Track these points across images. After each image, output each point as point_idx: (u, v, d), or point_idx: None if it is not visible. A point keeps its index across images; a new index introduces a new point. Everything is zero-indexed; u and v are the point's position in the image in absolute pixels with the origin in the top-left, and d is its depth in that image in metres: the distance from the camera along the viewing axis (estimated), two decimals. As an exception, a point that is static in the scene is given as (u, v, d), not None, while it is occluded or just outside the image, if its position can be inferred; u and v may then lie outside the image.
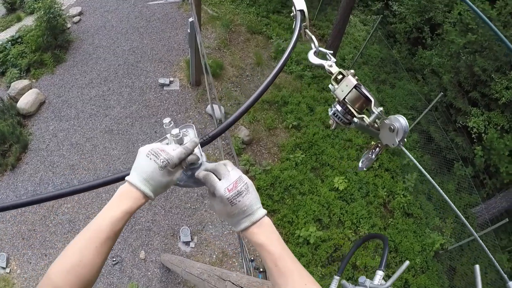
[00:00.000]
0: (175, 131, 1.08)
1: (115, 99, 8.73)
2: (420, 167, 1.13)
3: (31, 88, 8.70)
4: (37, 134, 8.15)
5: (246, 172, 7.56)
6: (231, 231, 6.90)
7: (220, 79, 9.20)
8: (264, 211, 1.03)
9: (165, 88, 9.01)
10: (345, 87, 1.04)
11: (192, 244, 6.78)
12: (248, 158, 7.79)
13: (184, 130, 1.15)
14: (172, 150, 1.01)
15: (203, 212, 7.17)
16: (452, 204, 1.14)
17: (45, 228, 6.99)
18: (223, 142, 7.66)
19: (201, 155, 1.10)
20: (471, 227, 1.09)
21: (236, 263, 6.57)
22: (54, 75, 9.17)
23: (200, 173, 1.06)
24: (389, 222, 7.57)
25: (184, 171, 1.08)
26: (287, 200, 7.36)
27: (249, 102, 1.07)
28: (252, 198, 1.02)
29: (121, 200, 0.96)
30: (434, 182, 1.15)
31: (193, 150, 1.04)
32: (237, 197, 0.99)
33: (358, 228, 7.22)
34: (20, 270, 6.60)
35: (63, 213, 7.10)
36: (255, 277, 2.13)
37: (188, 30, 7.14)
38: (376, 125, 1.06)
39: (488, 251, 1.04)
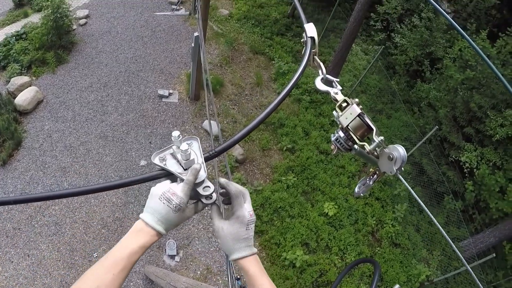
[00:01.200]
0: (184, 146, 1.10)
1: (113, 105, 8.73)
2: (417, 198, 1.15)
3: (30, 86, 8.70)
4: (32, 132, 8.11)
5: (237, 190, 7.52)
6: (217, 248, 6.83)
7: (219, 96, 9.26)
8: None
9: (163, 99, 9.04)
10: (349, 115, 1.07)
11: (177, 258, 6.69)
12: (240, 177, 7.79)
13: (189, 142, 1.19)
14: (180, 191, 1.06)
15: (190, 227, 7.11)
16: (447, 236, 1.16)
17: (31, 228, 6.88)
18: (217, 159, 7.63)
19: (205, 171, 1.14)
20: (461, 258, 1.11)
21: (220, 281, 6.49)
22: (54, 75, 9.19)
23: (232, 188, 1.14)
24: (376, 250, 7.55)
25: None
26: (276, 222, 7.33)
27: (259, 119, 1.08)
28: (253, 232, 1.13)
29: (138, 235, 1.04)
30: (429, 213, 1.17)
31: (195, 179, 1.09)
32: (251, 224, 1.11)
33: (345, 255, 7.18)
34: (1, 268, 6.46)
35: (50, 215, 7.01)
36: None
37: (192, 44, 7.21)
38: (375, 153, 1.08)
39: (479, 283, 1.05)
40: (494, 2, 9.75)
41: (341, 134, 1.08)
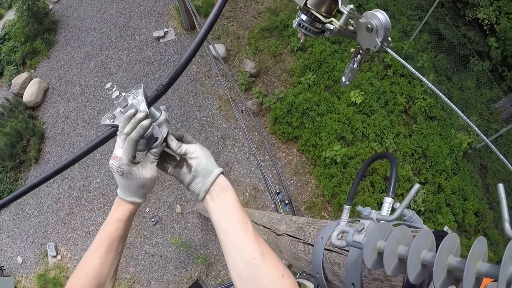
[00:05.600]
0: (115, 94, 0.98)
1: (115, 64, 8.49)
2: (413, 70, 0.86)
3: (31, 79, 8.59)
4: (50, 121, 8.13)
5: (260, 105, 7.26)
6: (258, 166, 6.68)
7: (213, 16, 8.67)
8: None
9: (161, 40, 8.66)
10: (303, -11, 0.83)
11: (224, 187, 6.64)
12: (260, 90, 7.43)
13: (134, 92, 1.06)
14: (120, 149, 0.96)
15: (226, 153, 6.99)
16: (455, 108, 0.86)
17: (82, 208, 7.09)
18: (230, 79, 7.32)
19: (161, 112, 1.06)
20: (483, 135, 0.88)
21: (269, 196, 6.39)
22: (50, 60, 9.00)
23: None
24: (413, 128, 7.22)
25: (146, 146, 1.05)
26: (307, 124, 7.02)
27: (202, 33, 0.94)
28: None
29: (116, 209, 1.02)
30: (431, 85, 0.87)
31: (133, 129, 0.96)
32: None
33: (383, 139, 6.87)
34: (70, 254, 6.81)
35: (94, 189, 7.15)
36: (276, 213, 2.05)
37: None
38: (352, 28, 0.86)
39: (501, 155, 0.83)
40: None
41: (303, 16, 0.87)
